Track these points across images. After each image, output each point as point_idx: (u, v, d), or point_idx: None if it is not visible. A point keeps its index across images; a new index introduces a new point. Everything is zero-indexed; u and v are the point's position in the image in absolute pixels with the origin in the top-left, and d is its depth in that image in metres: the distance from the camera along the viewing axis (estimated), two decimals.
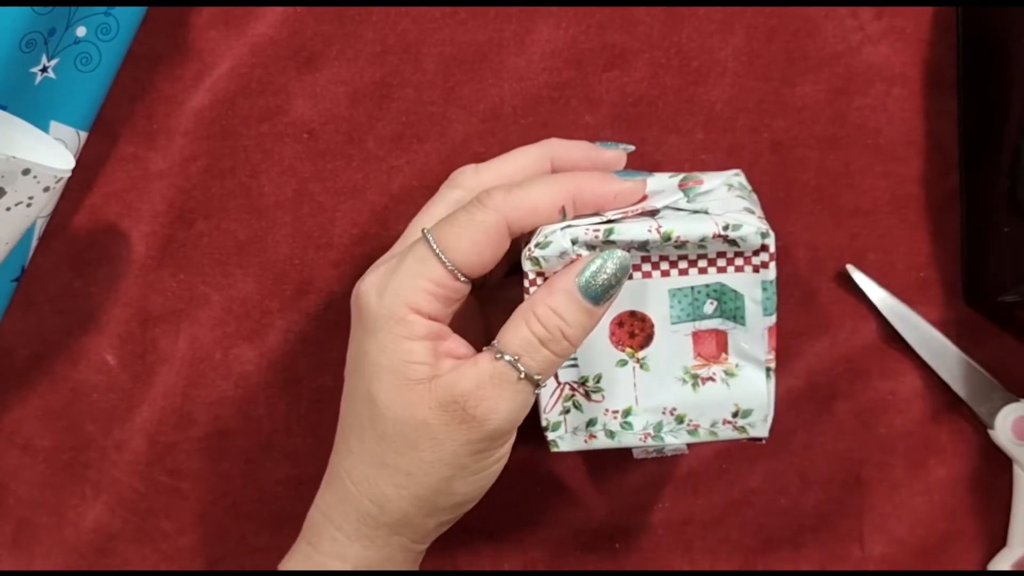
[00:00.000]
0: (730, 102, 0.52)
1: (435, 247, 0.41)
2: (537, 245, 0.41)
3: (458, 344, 0.42)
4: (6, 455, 0.53)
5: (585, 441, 0.45)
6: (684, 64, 0.52)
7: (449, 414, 0.41)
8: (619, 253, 0.41)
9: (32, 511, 0.53)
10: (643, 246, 0.42)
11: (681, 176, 0.46)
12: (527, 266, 0.42)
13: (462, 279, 0.41)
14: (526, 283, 0.42)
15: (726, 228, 0.41)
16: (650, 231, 0.41)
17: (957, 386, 0.51)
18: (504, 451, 0.43)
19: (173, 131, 0.52)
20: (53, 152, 0.45)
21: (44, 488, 0.53)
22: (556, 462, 0.53)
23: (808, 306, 0.52)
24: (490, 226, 0.41)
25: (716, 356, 0.44)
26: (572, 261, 0.41)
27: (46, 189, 0.44)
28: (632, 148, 0.47)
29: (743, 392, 0.44)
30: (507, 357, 0.40)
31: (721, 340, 0.44)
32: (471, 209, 0.41)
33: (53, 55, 0.49)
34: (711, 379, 0.44)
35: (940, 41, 0.52)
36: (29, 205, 0.44)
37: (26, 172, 0.42)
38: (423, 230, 0.42)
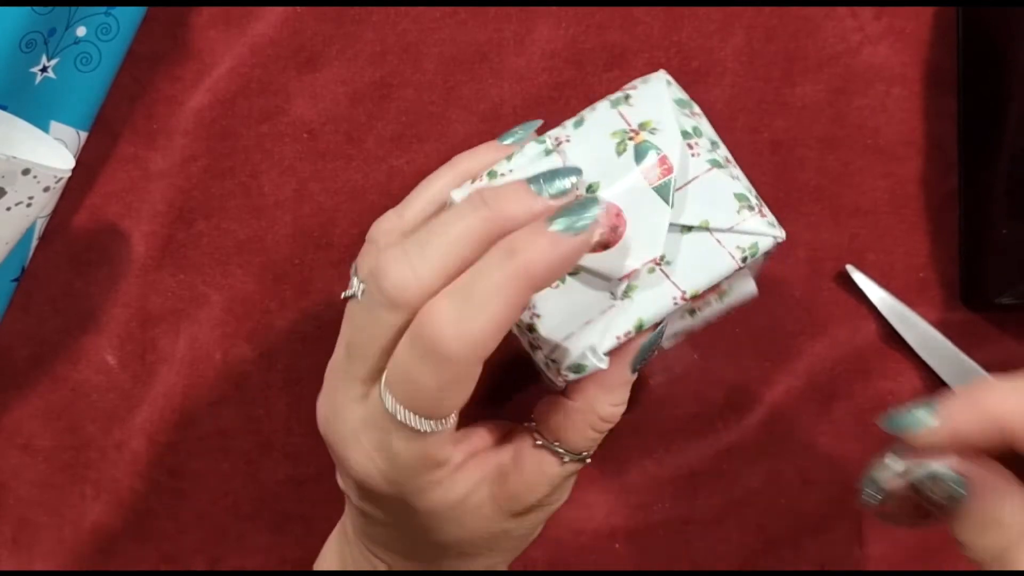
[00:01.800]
0: (730, 102, 0.52)
1: (399, 415, 0.35)
2: (574, 371, 0.38)
3: (482, 434, 0.42)
4: (6, 455, 0.53)
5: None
6: (684, 64, 0.52)
7: (525, 515, 0.41)
8: (659, 330, 0.39)
9: (32, 511, 0.53)
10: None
11: (633, 149, 0.38)
12: (558, 382, 0.39)
13: (442, 424, 0.36)
14: (552, 381, 0.39)
15: (744, 260, 0.38)
16: (676, 301, 0.38)
17: (957, 386, 0.51)
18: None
19: (173, 131, 0.52)
20: (53, 152, 0.45)
21: (44, 488, 0.53)
22: None
23: (808, 306, 0.52)
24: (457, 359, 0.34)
25: (714, 292, 0.42)
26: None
27: (46, 189, 0.44)
28: (540, 122, 0.41)
29: (735, 299, 0.42)
30: (579, 457, 0.40)
31: (717, 286, 0.40)
32: (416, 348, 0.34)
33: (53, 55, 0.49)
34: (707, 304, 0.42)
35: (940, 41, 0.52)
36: (29, 205, 0.44)
37: (26, 172, 0.42)
38: (380, 391, 0.36)
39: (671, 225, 0.38)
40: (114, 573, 0.53)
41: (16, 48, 0.47)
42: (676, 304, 0.38)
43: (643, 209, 0.37)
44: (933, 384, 0.52)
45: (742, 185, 0.39)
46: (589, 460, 0.41)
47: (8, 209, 0.43)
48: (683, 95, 0.40)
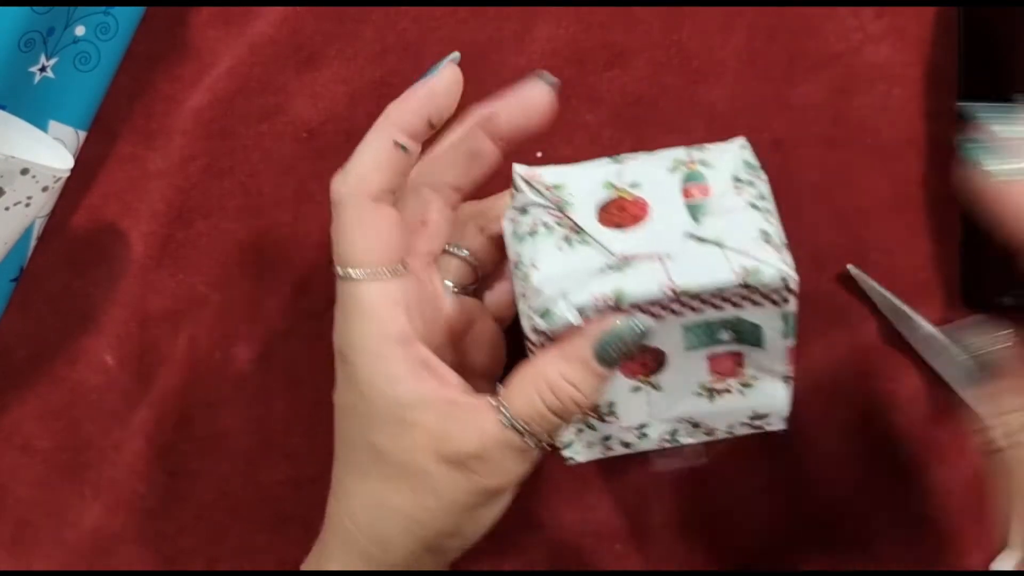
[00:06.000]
0: (731, 101, 0.52)
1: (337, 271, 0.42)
2: (542, 316, 0.38)
3: (447, 374, 0.41)
4: (5, 455, 0.53)
5: (601, 452, 0.44)
6: (684, 63, 0.52)
7: (453, 468, 0.39)
8: (638, 321, 0.38)
9: (31, 512, 0.53)
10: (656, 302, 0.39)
11: (681, 170, 0.41)
12: (532, 336, 0.39)
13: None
14: (530, 346, 0.40)
15: (745, 281, 0.38)
16: (663, 290, 0.38)
17: (957, 386, 0.51)
18: (511, 495, 0.42)
19: (172, 130, 0.52)
20: (52, 152, 0.45)
21: (43, 488, 0.53)
22: (556, 462, 0.53)
23: (808, 306, 0.52)
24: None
25: (732, 372, 0.42)
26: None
27: (45, 189, 0.43)
28: (458, 56, 0.42)
29: (760, 400, 0.43)
30: (516, 425, 0.39)
31: (738, 359, 0.42)
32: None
33: (52, 54, 0.49)
34: (727, 391, 0.42)
35: (941, 41, 0.52)
36: (28, 205, 0.44)
37: (25, 172, 0.42)
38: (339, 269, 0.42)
39: (691, 236, 0.39)
40: (114, 573, 0.53)
41: (15, 48, 0.47)
42: (663, 292, 0.38)
43: (669, 213, 0.40)
44: (933, 384, 0.52)
45: (773, 228, 0.40)
46: (535, 448, 0.40)
47: (7, 209, 0.43)
48: (754, 160, 0.43)
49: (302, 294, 0.52)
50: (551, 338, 0.39)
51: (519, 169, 0.42)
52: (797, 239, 0.52)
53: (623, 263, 0.39)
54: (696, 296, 0.39)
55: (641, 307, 0.39)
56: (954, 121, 0.52)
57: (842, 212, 0.52)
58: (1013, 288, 0.50)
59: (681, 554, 0.53)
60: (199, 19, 0.52)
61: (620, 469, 0.53)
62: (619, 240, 0.39)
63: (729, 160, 0.42)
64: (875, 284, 0.51)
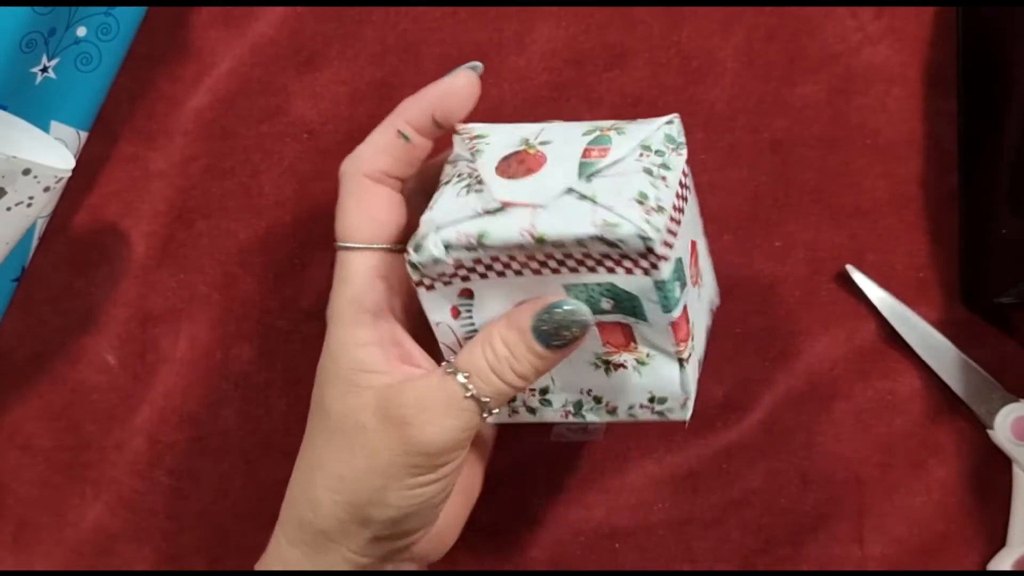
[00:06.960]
0: (730, 102, 0.52)
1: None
2: (414, 249, 0.39)
3: (415, 352, 0.42)
4: (6, 455, 0.53)
5: (508, 416, 0.45)
6: (684, 64, 0.52)
7: (388, 422, 0.40)
8: (581, 308, 0.39)
9: (32, 511, 0.53)
10: (520, 248, 0.39)
11: (594, 134, 0.41)
12: (409, 271, 0.40)
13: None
14: (413, 283, 0.41)
15: (602, 233, 0.37)
16: (522, 234, 0.38)
17: (956, 386, 0.51)
18: (446, 472, 0.41)
19: (173, 131, 0.52)
20: (53, 152, 0.45)
21: (44, 488, 0.53)
22: (556, 462, 0.53)
23: (808, 306, 0.52)
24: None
25: (625, 345, 0.42)
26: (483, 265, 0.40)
27: (46, 189, 0.44)
28: (480, 66, 0.44)
29: (655, 381, 0.42)
30: (459, 375, 0.40)
31: (627, 331, 0.42)
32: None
33: (53, 55, 0.49)
34: (622, 366, 0.42)
35: (940, 41, 0.52)
36: (29, 205, 0.44)
37: (26, 172, 0.42)
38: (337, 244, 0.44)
39: (571, 190, 0.39)
40: (114, 573, 0.53)
41: (16, 48, 0.47)
42: (522, 236, 0.38)
43: (560, 168, 0.40)
44: (933, 384, 0.52)
45: (655, 192, 0.39)
46: (475, 409, 0.40)
47: (8, 209, 0.43)
48: (680, 137, 0.43)
49: (302, 294, 0.52)
50: (423, 272, 0.40)
51: (458, 126, 0.44)
52: (797, 239, 0.52)
53: (500, 209, 0.39)
54: (559, 247, 0.39)
55: (508, 251, 0.39)
56: (953, 121, 0.52)
57: (841, 212, 0.52)
58: (1013, 288, 0.50)
59: (681, 554, 0.53)
60: (200, 20, 0.52)
61: (620, 469, 0.53)
62: (505, 188, 0.40)
63: (646, 131, 0.41)
64: (874, 284, 0.51)
